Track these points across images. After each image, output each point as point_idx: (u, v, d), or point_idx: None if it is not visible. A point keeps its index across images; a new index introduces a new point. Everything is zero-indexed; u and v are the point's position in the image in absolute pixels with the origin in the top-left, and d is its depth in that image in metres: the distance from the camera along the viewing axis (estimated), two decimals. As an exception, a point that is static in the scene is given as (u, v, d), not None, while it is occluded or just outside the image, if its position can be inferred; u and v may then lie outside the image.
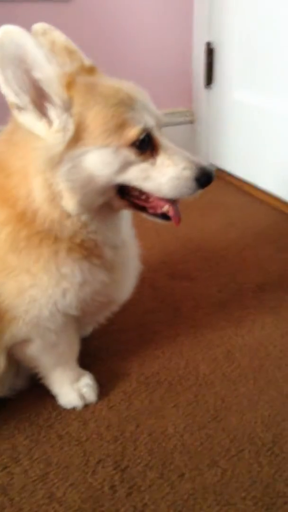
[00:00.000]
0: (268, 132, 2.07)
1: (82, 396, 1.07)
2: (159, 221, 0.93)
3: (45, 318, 0.91)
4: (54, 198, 0.82)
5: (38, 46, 0.75)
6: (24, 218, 0.84)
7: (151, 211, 0.92)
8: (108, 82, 0.86)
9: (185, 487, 0.88)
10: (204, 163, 0.89)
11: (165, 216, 0.92)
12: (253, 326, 1.31)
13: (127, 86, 0.86)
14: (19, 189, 0.83)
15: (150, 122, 0.84)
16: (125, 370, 1.17)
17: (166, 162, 0.85)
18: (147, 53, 2.38)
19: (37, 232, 0.85)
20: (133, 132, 0.81)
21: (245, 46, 2.13)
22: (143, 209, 0.92)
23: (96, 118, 0.80)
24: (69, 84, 0.79)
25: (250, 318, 1.35)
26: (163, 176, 0.85)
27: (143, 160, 0.84)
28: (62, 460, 0.94)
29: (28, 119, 0.78)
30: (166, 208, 0.91)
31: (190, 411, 1.05)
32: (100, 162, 0.81)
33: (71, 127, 0.79)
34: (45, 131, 0.79)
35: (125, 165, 0.83)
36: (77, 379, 1.08)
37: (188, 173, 0.86)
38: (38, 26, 0.93)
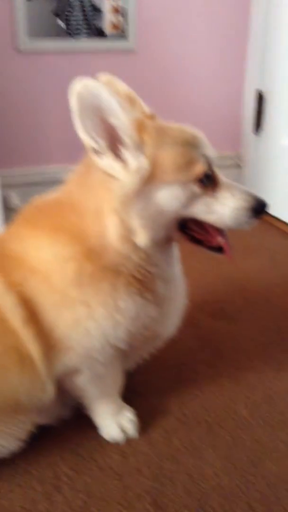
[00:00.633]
0: (315, 178, 2.10)
1: (123, 430, 1.10)
2: (213, 253, 1.00)
3: (96, 350, 0.96)
4: (127, 234, 0.90)
5: (112, 96, 0.83)
6: (92, 255, 0.91)
7: (207, 244, 0.99)
8: (171, 125, 0.95)
9: (221, 530, 0.90)
10: (257, 195, 0.96)
11: (219, 249, 1.00)
12: (294, 371, 1.32)
13: (188, 127, 0.95)
14: (91, 227, 0.91)
15: (211, 159, 0.93)
16: (165, 407, 1.20)
17: (225, 195, 0.93)
18: (201, 98, 2.49)
19: (101, 268, 0.92)
20: (199, 168, 0.90)
21: (295, 94, 2.19)
22: (199, 242, 0.99)
23: (167, 158, 0.88)
24: (141, 128, 0.88)
25: (291, 364, 1.35)
26: (225, 208, 0.93)
27: (206, 194, 0.92)
28: (102, 492, 0.97)
29: (106, 162, 0.87)
30: (221, 241, 0.98)
31: (228, 454, 1.06)
32: (171, 197, 0.89)
33: (146, 167, 0.87)
34: (122, 172, 0.87)
35: (192, 199, 0.91)
36: (119, 412, 1.12)
37: (246, 204, 0.94)
38: (103, 77, 1.02)
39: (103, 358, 0.99)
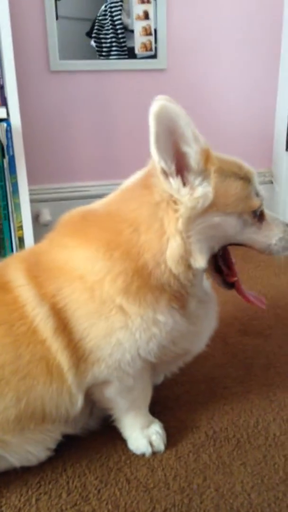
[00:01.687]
0: None
1: (151, 443, 1.09)
2: (224, 288, 1.11)
3: (126, 362, 0.97)
4: (185, 256, 0.93)
5: (188, 123, 0.87)
6: (142, 271, 0.93)
7: (225, 277, 1.08)
8: (228, 157, 0.99)
9: None
10: None
11: (231, 285, 1.10)
12: None
13: (243, 162, 1.00)
14: (149, 245, 0.93)
15: (263, 195, 0.99)
16: (194, 422, 1.19)
17: (269, 227, 1.02)
18: (232, 115, 2.51)
19: (149, 285, 0.94)
20: (256, 203, 0.98)
21: None
22: (220, 272, 1.08)
23: (229, 190, 0.94)
24: (207, 158, 0.91)
25: None
26: (270, 238, 1.02)
27: (254, 224, 1.00)
28: (129, 504, 0.96)
29: (174, 185, 0.90)
30: (236, 280, 1.10)
31: (258, 471, 1.04)
32: (227, 224, 0.96)
33: (210, 196, 0.91)
34: (187, 197, 0.90)
35: (243, 227, 0.98)
36: (148, 426, 1.12)
37: (287, 234, 1.04)
38: (161, 99, 1.04)
39: (132, 371, 0.99)
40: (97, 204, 1.04)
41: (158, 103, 0.83)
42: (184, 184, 0.91)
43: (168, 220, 0.92)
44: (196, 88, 2.42)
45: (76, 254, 0.97)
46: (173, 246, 0.92)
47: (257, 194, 0.99)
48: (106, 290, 0.93)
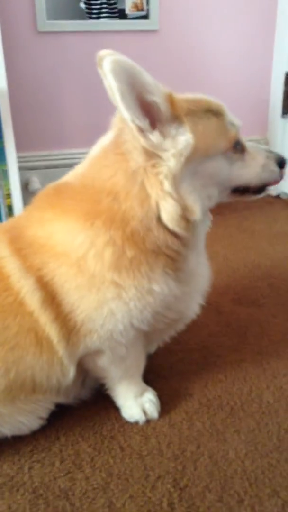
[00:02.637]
0: None
1: (144, 411, 1.09)
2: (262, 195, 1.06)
3: (119, 332, 0.94)
4: (182, 212, 0.89)
5: (144, 71, 0.80)
6: (135, 238, 0.89)
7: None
8: (192, 96, 0.92)
9: (244, 514, 0.87)
10: (274, 150, 1.05)
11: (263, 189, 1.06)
12: None
13: (208, 97, 0.94)
14: (135, 212, 0.88)
15: (239, 123, 0.95)
16: (188, 390, 1.18)
17: (252, 156, 0.99)
18: (227, 80, 2.44)
19: (143, 251, 0.90)
20: (233, 136, 0.94)
21: None
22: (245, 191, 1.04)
23: (205, 130, 0.89)
24: (173, 103, 0.85)
25: None
26: (255, 167, 0.99)
27: (238, 159, 0.96)
28: (122, 471, 0.96)
29: (155, 140, 0.84)
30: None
31: (252, 438, 1.03)
32: (214, 168, 0.92)
33: (191, 142, 0.86)
34: (172, 150, 0.85)
35: (230, 166, 0.95)
36: (141, 394, 1.11)
37: (270, 159, 1.01)
38: (103, 53, 0.99)
39: (125, 340, 0.97)
40: (69, 177, 0.99)
41: (109, 59, 0.76)
42: (163, 136, 0.85)
43: (150, 184, 0.87)
44: (189, 49, 2.34)
45: (56, 228, 0.93)
46: (167, 208, 0.88)
47: (232, 124, 0.94)
48: (93, 267, 0.89)
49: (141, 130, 0.83)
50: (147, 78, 0.80)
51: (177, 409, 1.12)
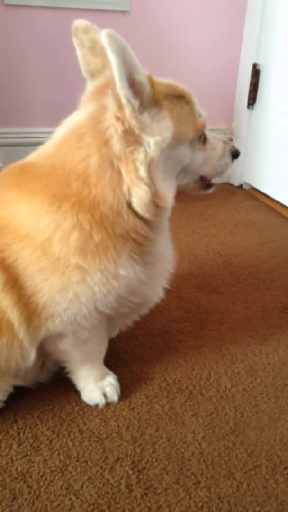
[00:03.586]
0: (306, 156, 2.08)
1: (104, 395, 1.09)
2: (204, 192, 1.09)
3: (82, 315, 0.93)
4: (154, 199, 0.88)
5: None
6: (104, 223, 0.87)
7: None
8: (163, 80, 0.91)
9: (200, 494, 0.89)
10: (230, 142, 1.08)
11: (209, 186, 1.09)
12: (278, 345, 1.32)
13: (178, 84, 0.94)
14: (105, 197, 0.86)
15: (205, 114, 0.97)
16: (148, 374, 1.19)
17: (212, 146, 1.01)
18: (195, 67, 2.43)
19: (111, 235, 0.89)
20: (201, 123, 0.95)
21: (292, 70, 2.15)
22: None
23: (179, 117, 0.89)
24: (153, 85, 0.84)
25: (275, 338, 1.35)
26: (213, 157, 1.02)
27: (201, 148, 0.98)
28: (81, 454, 0.96)
29: (145, 120, 0.83)
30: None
31: (209, 422, 1.06)
32: (183, 155, 0.93)
33: (171, 126, 0.87)
34: (157, 135, 0.85)
35: (193, 154, 0.96)
36: (102, 378, 1.11)
37: (226, 150, 1.04)
38: (80, 23, 0.95)
39: (88, 324, 0.96)
40: (35, 157, 0.95)
41: (106, 32, 0.72)
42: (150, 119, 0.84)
43: (126, 171, 0.86)
44: (160, 33, 2.31)
45: (20, 209, 0.89)
46: (139, 194, 0.87)
47: (200, 114, 0.95)
48: (58, 250, 0.87)
49: (133, 110, 0.81)
50: (135, 56, 0.78)
51: (137, 392, 1.13)
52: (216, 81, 2.50)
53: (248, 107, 2.46)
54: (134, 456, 0.96)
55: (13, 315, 0.91)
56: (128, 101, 0.79)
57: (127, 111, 0.81)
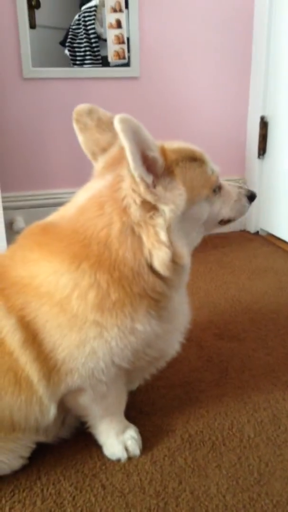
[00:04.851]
0: None
1: (126, 449, 1.09)
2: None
3: (100, 370, 0.95)
4: (173, 259, 0.93)
5: (142, 126, 0.83)
6: (122, 282, 0.91)
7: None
8: (175, 144, 0.97)
9: None
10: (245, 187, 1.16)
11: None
12: (301, 391, 1.30)
13: (189, 145, 1.00)
14: (125, 261, 0.91)
15: (218, 170, 1.02)
16: (170, 426, 1.19)
17: (227, 192, 1.08)
18: (205, 123, 2.54)
19: (130, 294, 0.92)
20: (214, 182, 1.01)
21: (298, 119, 2.23)
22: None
23: (192, 181, 0.95)
24: (165, 155, 0.90)
25: (297, 383, 1.34)
26: (229, 202, 1.08)
27: (217, 199, 1.05)
28: (104, 510, 0.96)
29: (160, 193, 0.89)
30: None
31: (233, 473, 1.04)
32: (200, 212, 1.00)
33: (184, 193, 0.92)
34: (171, 204, 0.90)
35: (211, 207, 1.03)
36: (123, 431, 1.11)
37: (242, 194, 1.11)
38: (82, 107, 1.03)
39: (106, 378, 0.98)
40: (56, 218, 1.01)
41: (119, 118, 0.78)
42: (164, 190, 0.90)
43: (147, 236, 0.91)
44: (169, 95, 2.45)
45: (40, 269, 0.94)
46: (160, 256, 0.91)
47: (212, 171, 1.00)
48: (76, 307, 0.91)
49: (147, 186, 0.87)
50: (147, 134, 0.84)
51: (159, 445, 1.13)
52: (227, 135, 2.60)
53: (258, 157, 2.54)
54: (157, 511, 0.95)
55: (32, 371, 0.94)
56: (142, 179, 0.85)
57: (141, 188, 0.87)
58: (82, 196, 0.98)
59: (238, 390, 1.32)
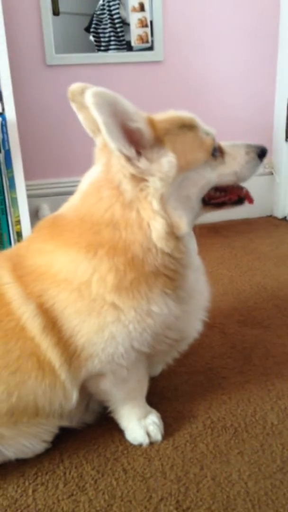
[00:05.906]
0: None
1: (148, 434, 1.09)
2: (238, 206, 1.08)
3: (120, 355, 0.96)
4: (170, 230, 0.92)
5: (123, 99, 0.83)
6: (135, 261, 0.92)
7: (229, 201, 1.06)
8: (163, 115, 0.96)
9: (246, 536, 0.87)
10: (253, 143, 1.06)
11: (240, 201, 1.07)
12: None
13: (178, 112, 0.98)
14: (134, 237, 0.92)
15: (212, 131, 0.98)
16: (192, 412, 1.18)
17: (232, 156, 1.02)
18: (232, 106, 2.49)
19: (143, 273, 0.93)
20: (209, 144, 0.96)
21: None
22: (223, 204, 1.06)
23: (184, 147, 0.92)
24: (153, 126, 0.89)
25: None
26: (236, 167, 1.01)
27: (219, 163, 0.99)
28: (125, 494, 0.96)
29: (143, 165, 0.88)
30: (240, 192, 1.06)
31: (255, 459, 1.03)
32: (197, 179, 0.96)
33: (174, 161, 0.90)
34: (158, 174, 0.89)
35: (211, 172, 0.98)
36: (145, 416, 1.11)
37: (251, 155, 1.03)
38: (76, 86, 1.02)
39: (126, 363, 0.99)
40: (64, 209, 1.02)
41: (91, 92, 0.78)
42: (149, 161, 0.89)
43: (143, 208, 0.91)
44: (193, 79, 2.41)
45: (57, 259, 0.96)
46: (156, 227, 0.91)
47: (207, 133, 0.97)
48: (95, 290, 0.92)
49: (128, 159, 0.86)
50: (128, 105, 0.83)
51: (181, 431, 1.12)
52: (252, 118, 2.54)
53: (286, 140, 2.47)
54: (178, 496, 0.95)
55: (54, 356, 0.95)
56: (121, 152, 0.85)
57: (122, 161, 0.87)
58: (84, 183, 1.00)
59: (261, 377, 1.31)
